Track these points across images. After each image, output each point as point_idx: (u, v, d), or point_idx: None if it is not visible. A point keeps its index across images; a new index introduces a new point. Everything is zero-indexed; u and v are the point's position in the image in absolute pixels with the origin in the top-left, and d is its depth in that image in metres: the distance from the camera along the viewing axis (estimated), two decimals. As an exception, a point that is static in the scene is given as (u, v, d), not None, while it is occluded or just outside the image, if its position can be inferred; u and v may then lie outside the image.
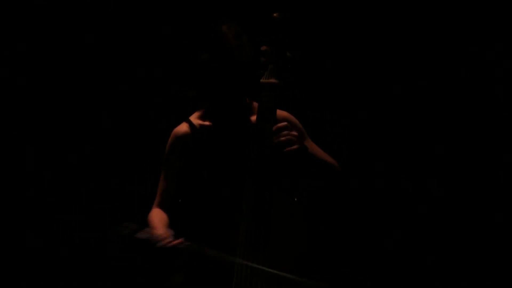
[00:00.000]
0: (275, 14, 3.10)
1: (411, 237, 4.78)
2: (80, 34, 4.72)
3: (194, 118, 3.25)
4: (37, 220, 4.90)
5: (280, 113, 3.17)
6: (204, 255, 2.98)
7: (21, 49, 4.86)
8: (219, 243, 3.06)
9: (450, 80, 4.65)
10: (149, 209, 3.33)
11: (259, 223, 3.01)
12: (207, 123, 3.22)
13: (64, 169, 4.91)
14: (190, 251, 3.00)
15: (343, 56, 4.59)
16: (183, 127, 3.24)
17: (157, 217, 3.17)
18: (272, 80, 3.07)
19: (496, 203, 4.66)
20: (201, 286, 3.10)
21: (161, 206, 3.24)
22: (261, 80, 3.08)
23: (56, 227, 4.89)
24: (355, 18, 4.57)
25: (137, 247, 3.15)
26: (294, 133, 3.02)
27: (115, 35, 4.68)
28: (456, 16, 4.61)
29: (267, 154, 3.03)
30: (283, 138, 3.00)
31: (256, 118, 3.08)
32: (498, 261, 4.66)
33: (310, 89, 4.59)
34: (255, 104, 3.17)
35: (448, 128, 4.70)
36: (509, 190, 4.61)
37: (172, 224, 3.22)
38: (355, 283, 4.76)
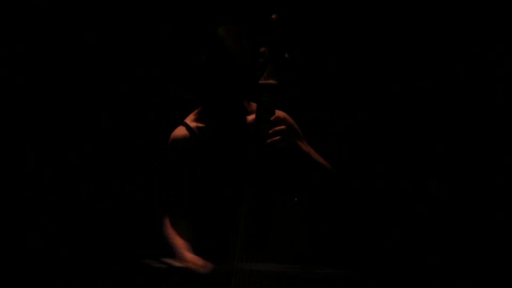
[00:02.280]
0: (273, 16, 3.10)
1: (411, 237, 4.77)
2: (80, 34, 4.72)
3: (190, 121, 3.23)
4: (37, 220, 4.90)
5: (278, 113, 3.15)
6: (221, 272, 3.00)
7: (21, 49, 4.87)
8: (219, 244, 3.08)
9: (450, 80, 4.65)
10: (148, 209, 3.27)
11: (258, 223, 3.01)
12: (203, 125, 3.21)
13: (64, 169, 4.91)
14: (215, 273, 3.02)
15: (342, 56, 4.58)
16: (180, 131, 3.22)
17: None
18: (271, 81, 3.08)
19: (496, 203, 4.66)
20: (200, 286, 3.09)
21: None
22: (260, 81, 3.09)
23: (56, 227, 4.89)
24: (355, 18, 4.57)
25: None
26: (283, 127, 3.01)
27: (115, 35, 4.68)
28: (456, 16, 4.60)
29: (266, 154, 3.03)
30: (273, 131, 3.00)
31: (255, 118, 3.09)
32: (498, 261, 4.66)
33: (310, 89, 4.58)
34: (253, 105, 3.20)
35: (448, 128, 4.70)
36: (509, 190, 4.60)
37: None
38: (355, 283, 4.75)
